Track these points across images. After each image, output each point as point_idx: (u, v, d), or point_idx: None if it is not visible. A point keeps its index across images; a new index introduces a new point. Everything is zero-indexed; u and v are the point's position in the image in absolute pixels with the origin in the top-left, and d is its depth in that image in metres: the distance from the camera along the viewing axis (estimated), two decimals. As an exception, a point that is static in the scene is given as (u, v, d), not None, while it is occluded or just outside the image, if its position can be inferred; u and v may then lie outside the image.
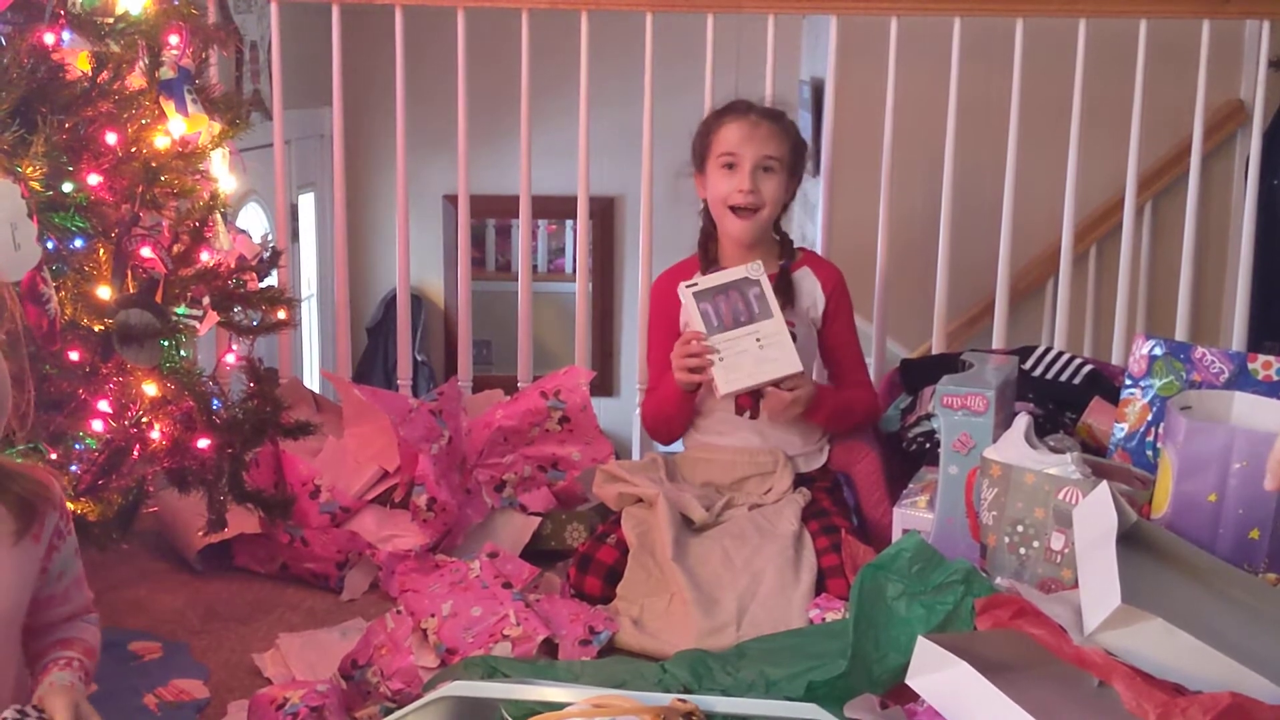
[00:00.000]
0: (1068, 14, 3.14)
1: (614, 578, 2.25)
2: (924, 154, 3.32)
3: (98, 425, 2.05)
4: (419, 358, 5.78)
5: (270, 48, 3.20)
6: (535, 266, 6.17)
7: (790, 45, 4.70)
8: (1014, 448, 2.00)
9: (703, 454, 2.54)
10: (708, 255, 2.57)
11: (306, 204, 5.31)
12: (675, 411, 2.53)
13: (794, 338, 2.44)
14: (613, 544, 2.30)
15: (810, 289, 2.56)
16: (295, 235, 4.67)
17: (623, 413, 3.50)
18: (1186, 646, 1.48)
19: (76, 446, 2.03)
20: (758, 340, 2.39)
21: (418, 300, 5.87)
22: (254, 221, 4.21)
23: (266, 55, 4.12)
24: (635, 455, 3.16)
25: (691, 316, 2.41)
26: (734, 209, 2.49)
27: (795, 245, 2.63)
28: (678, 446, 2.66)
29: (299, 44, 3.32)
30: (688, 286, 2.41)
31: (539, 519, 2.53)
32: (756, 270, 2.40)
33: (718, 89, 3.11)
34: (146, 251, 2.09)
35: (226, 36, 2.48)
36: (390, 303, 5.77)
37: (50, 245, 1.96)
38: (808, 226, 2.75)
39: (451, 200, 5.58)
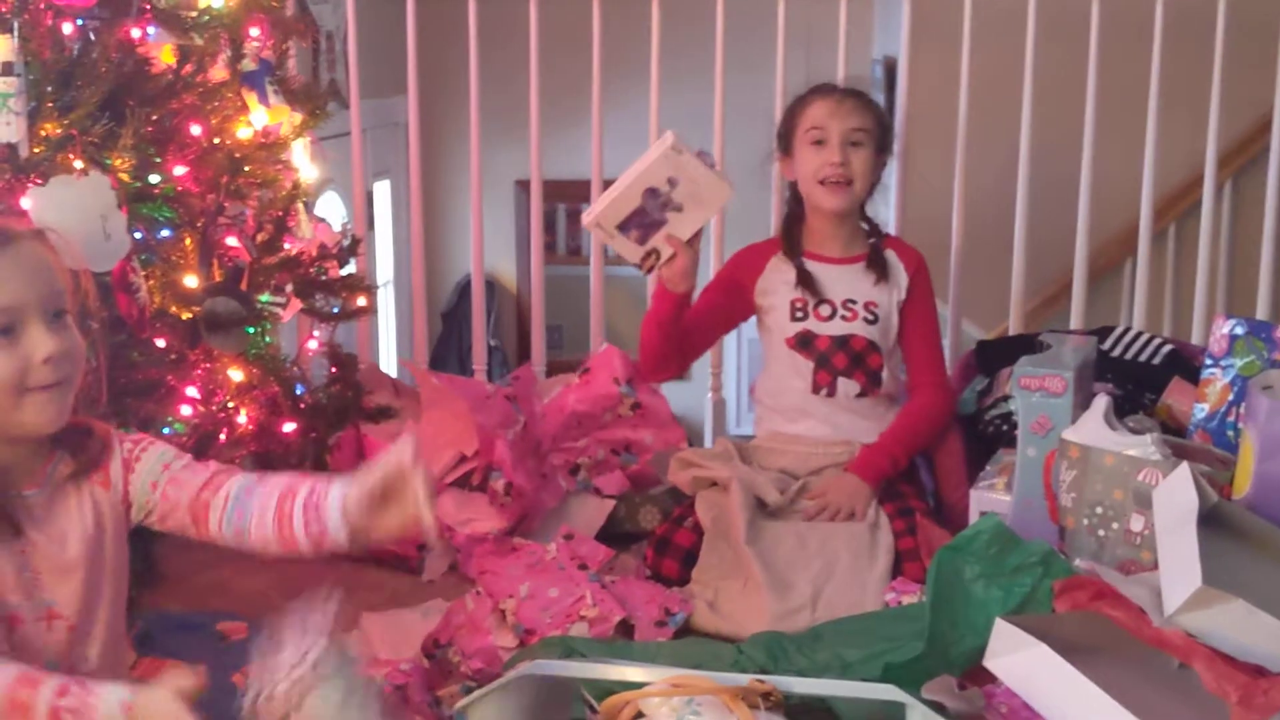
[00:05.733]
0: (1146, -13, 3.10)
1: (691, 560, 2.26)
2: (999, 133, 3.29)
3: (186, 410, 2.09)
4: (493, 343, 5.82)
5: (346, 38, 3.24)
6: (605, 250, 6.19)
7: (863, 24, 4.66)
8: (1093, 429, 1.98)
9: (775, 444, 2.51)
10: (790, 238, 2.53)
11: (382, 191, 5.36)
12: (659, 323, 2.42)
13: (875, 319, 2.44)
14: (689, 527, 2.32)
15: (895, 272, 2.51)
16: (371, 223, 4.72)
17: (694, 397, 3.51)
18: (1268, 628, 1.47)
19: (165, 431, 2.08)
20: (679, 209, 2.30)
21: (491, 285, 5.91)
22: (332, 209, 4.27)
23: (343, 45, 4.16)
24: (708, 442, 3.17)
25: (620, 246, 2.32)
26: (824, 182, 2.45)
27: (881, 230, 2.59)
28: (748, 429, 2.66)
29: (373, 33, 3.36)
30: (599, 220, 2.29)
31: (613, 502, 2.55)
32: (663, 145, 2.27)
33: (789, 69, 3.11)
34: (231, 240, 2.14)
35: (305, 28, 2.52)
36: (464, 288, 5.81)
37: (139, 235, 2.00)
38: (881, 207, 2.73)
39: (523, 185, 5.61)
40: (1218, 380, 2.24)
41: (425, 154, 3.32)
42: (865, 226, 2.57)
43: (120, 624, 1.57)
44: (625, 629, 2.06)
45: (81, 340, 1.46)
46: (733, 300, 2.54)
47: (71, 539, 1.48)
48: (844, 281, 2.50)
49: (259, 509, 1.52)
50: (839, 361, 2.45)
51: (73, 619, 1.47)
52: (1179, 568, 1.56)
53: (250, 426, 2.16)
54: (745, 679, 1.52)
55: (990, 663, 1.57)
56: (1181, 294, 3.85)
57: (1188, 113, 3.31)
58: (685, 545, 2.29)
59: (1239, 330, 2.23)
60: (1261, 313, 3.15)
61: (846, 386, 2.46)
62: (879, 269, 2.49)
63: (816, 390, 2.46)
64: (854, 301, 2.48)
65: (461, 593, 2.22)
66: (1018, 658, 1.54)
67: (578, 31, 3.20)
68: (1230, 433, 2.20)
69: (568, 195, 5.83)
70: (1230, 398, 2.22)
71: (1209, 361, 2.26)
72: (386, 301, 5.25)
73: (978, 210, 3.26)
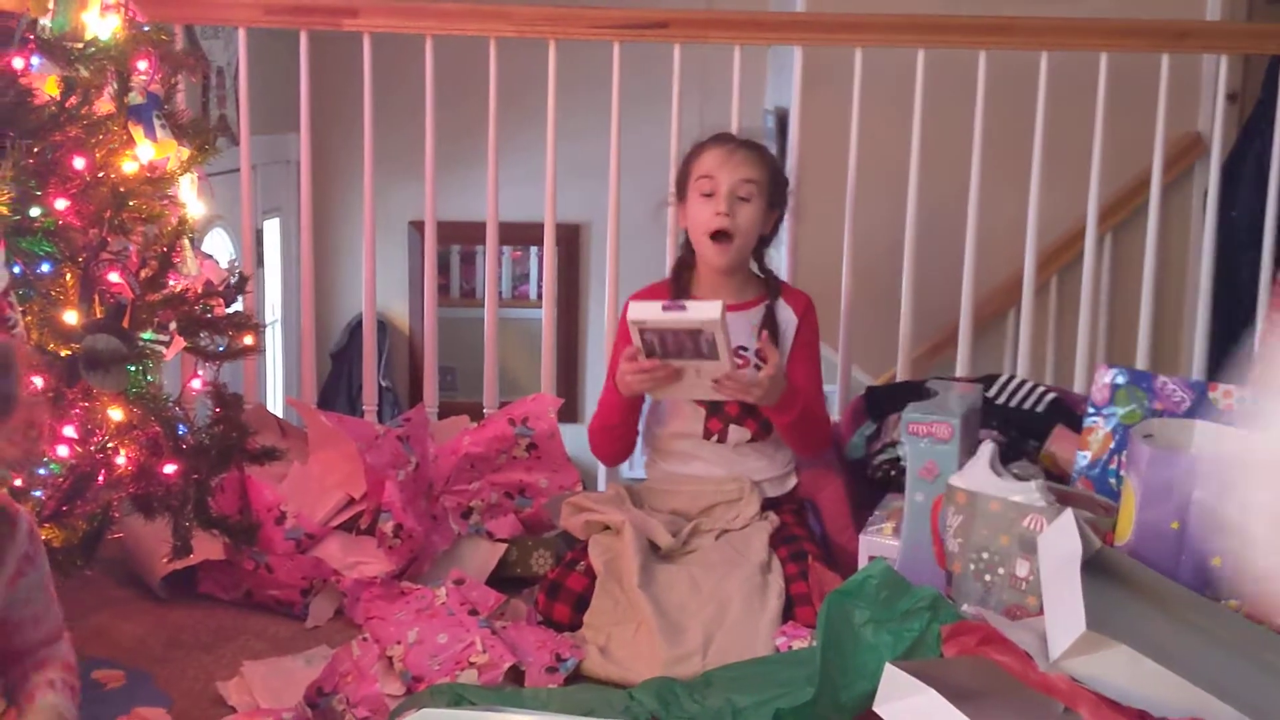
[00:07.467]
0: (1030, 47, 3.18)
1: (583, 605, 2.24)
2: (888, 183, 3.35)
3: (63, 451, 2.03)
4: (384, 384, 5.75)
5: (237, 73, 3.20)
6: (500, 293, 6.16)
7: (755, 75, 4.73)
8: (979, 475, 2.01)
9: (667, 484, 2.53)
10: (679, 282, 2.57)
11: (272, 229, 5.30)
12: (619, 420, 2.52)
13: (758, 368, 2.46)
14: (582, 571, 2.30)
15: (786, 319, 2.56)
16: (260, 261, 4.64)
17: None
18: (1151, 673, 1.49)
19: (41, 472, 2.02)
20: (697, 372, 2.34)
21: (383, 326, 5.85)
22: (220, 247, 4.20)
23: (233, 81, 4.11)
24: (601, 484, 3.16)
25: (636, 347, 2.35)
26: (712, 236, 2.48)
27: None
28: (639, 473, 2.66)
29: (266, 69, 3.32)
30: (636, 323, 2.30)
31: (505, 546, 2.52)
32: (713, 324, 2.26)
33: (683, 118, 3.14)
34: (114, 276, 2.08)
35: (194, 62, 2.48)
36: (355, 328, 5.75)
37: (17, 270, 1.95)
38: (773, 255, 2.77)
39: (417, 226, 5.58)
40: (1100, 428, 2.30)
41: (318, 192, 3.29)
42: (760, 275, 2.60)
43: None
44: (516, 675, 2.04)
45: None
46: None
47: None
48: (736, 329, 2.51)
49: None
50: (731, 409, 2.47)
51: None
52: (1064, 613, 1.59)
53: (130, 468, 2.10)
54: (636, 726, 1.51)
55: (880, 708, 1.58)
56: (1064, 344, 3.94)
57: (1070, 168, 3.40)
58: (577, 590, 2.27)
59: (1120, 380, 2.29)
60: (1141, 363, 3.23)
61: (737, 433, 2.49)
62: (771, 328, 2.51)
63: (708, 436, 2.50)
64: (746, 349, 2.50)
65: (347, 639, 2.18)
66: (907, 703, 1.54)
67: (474, 72, 3.19)
68: (1112, 480, 2.25)
69: (462, 237, 5.81)
70: (1112, 446, 2.27)
71: (1091, 410, 2.31)
72: (275, 341, 5.17)
73: (867, 259, 3.31)
